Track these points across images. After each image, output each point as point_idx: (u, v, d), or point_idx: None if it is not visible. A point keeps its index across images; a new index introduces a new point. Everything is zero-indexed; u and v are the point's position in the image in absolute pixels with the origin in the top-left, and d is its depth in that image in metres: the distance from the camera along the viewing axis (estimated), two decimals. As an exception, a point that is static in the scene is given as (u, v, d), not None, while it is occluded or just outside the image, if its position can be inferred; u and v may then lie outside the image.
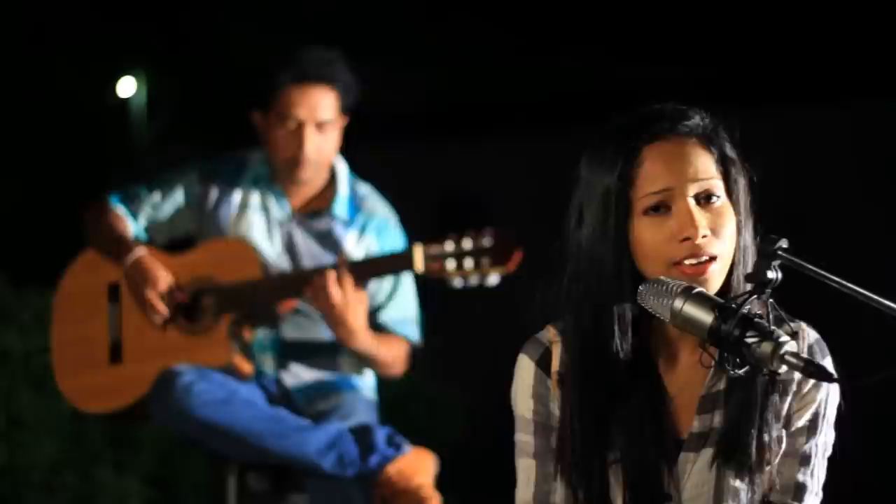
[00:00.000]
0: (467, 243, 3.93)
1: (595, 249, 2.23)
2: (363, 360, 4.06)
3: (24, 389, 6.03)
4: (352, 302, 3.90)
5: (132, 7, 9.64)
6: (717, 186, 2.23)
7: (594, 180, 2.24)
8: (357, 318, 3.92)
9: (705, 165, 2.23)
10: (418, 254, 3.93)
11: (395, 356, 4.09)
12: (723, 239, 2.22)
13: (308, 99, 4.05)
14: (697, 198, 2.21)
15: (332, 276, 3.87)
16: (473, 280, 3.95)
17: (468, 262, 3.93)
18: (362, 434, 3.93)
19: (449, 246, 3.93)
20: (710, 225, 2.20)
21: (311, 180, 4.12)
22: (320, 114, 4.05)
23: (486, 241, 3.92)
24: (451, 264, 3.92)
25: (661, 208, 2.21)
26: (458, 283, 3.96)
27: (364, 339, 3.97)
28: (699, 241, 2.19)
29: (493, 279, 3.95)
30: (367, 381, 4.18)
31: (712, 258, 2.20)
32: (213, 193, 4.16)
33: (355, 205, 4.18)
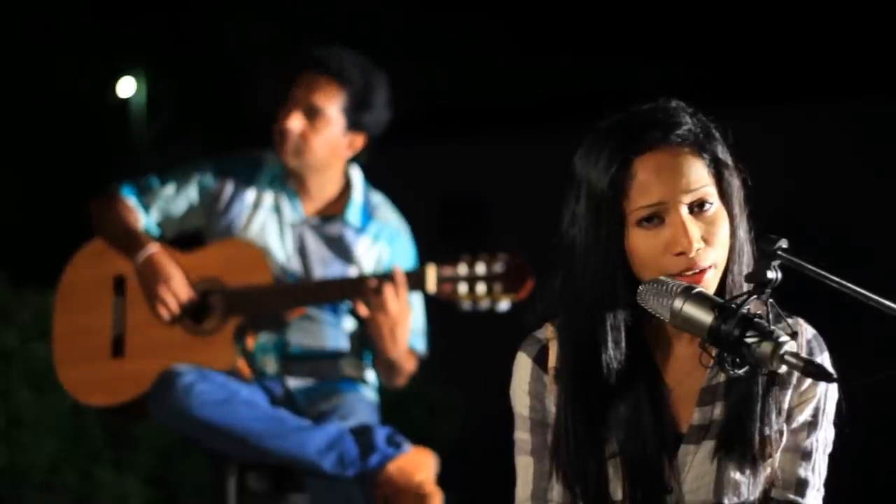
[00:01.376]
0: (480, 268, 3.92)
1: (588, 254, 2.24)
2: (389, 368, 4.05)
3: (24, 389, 6.03)
4: (404, 313, 3.92)
5: (132, 7, 9.65)
6: (710, 193, 2.22)
7: (586, 183, 2.23)
8: (405, 330, 3.94)
9: (698, 174, 2.22)
10: (431, 274, 3.92)
11: (409, 367, 4.10)
12: (717, 246, 2.22)
13: (307, 83, 4.07)
14: (691, 207, 2.21)
15: (391, 288, 3.87)
16: (484, 305, 3.95)
17: (480, 288, 3.92)
18: (362, 434, 3.93)
19: (462, 269, 3.92)
20: (703, 234, 2.20)
21: (305, 178, 4.11)
22: (313, 99, 4.05)
23: (499, 267, 3.91)
24: (462, 288, 3.92)
25: (654, 219, 2.21)
26: (467, 306, 3.96)
27: (404, 349, 3.99)
28: (693, 254, 2.19)
29: (504, 306, 3.94)
30: (368, 383, 4.18)
31: (707, 268, 2.20)
32: (227, 191, 4.15)
33: (368, 212, 4.18)
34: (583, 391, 2.25)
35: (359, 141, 4.11)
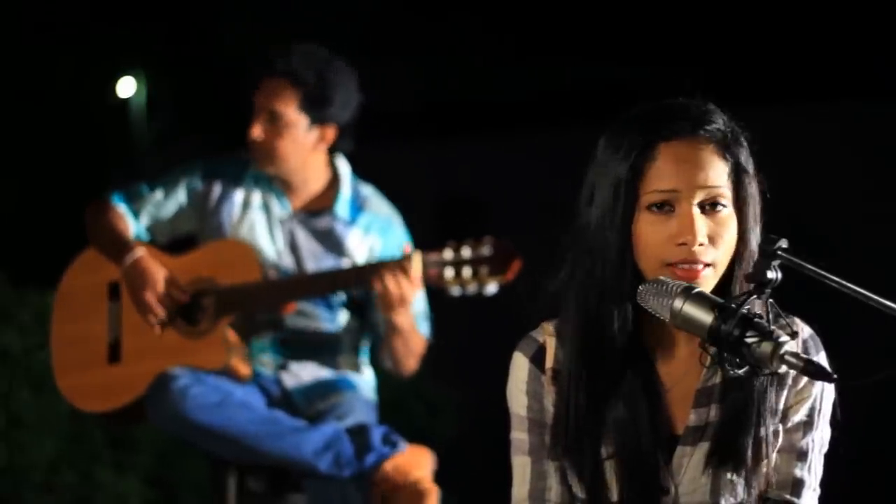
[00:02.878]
0: (466, 252, 3.93)
1: (602, 234, 2.24)
2: (399, 338, 4.03)
3: (24, 389, 6.03)
4: (416, 291, 3.95)
5: (132, 7, 9.65)
6: (725, 195, 2.23)
7: (608, 165, 2.24)
8: (412, 300, 3.96)
9: (717, 173, 2.22)
10: (416, 261, 3.92)
11: (418, 343, 4.09)
12: (719, 248, 2.22)
13: (266, 88, 4.08)
14: (703, 204, 2.21)
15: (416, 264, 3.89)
16: (472, 289, 3.95)
17: (466, 271, 3.93)
18: (358, 434, 3.93)
19: (447, 254, 3.93)
20: (709, 233, 2.21)
21: (286, 179, 4.11)
22: (272, 104, 4.06)
23: (485, 250, 3.92)
24: (449, 273, 3.93)
25: (664, 207, 2.21)
26: (456, 291, 3.97)
27: (412, 320, 4.01)
28: (695, 248, 2.20)
29: (492, 288, 3.95)
30: (366, 381, 4.19)
31: (706, 265, 2.21)
32: (216, 193, 4.16)
33: (358, 205, 4.18)
34: (586, 383, 2.25)
35: (329, 133, 4.11)
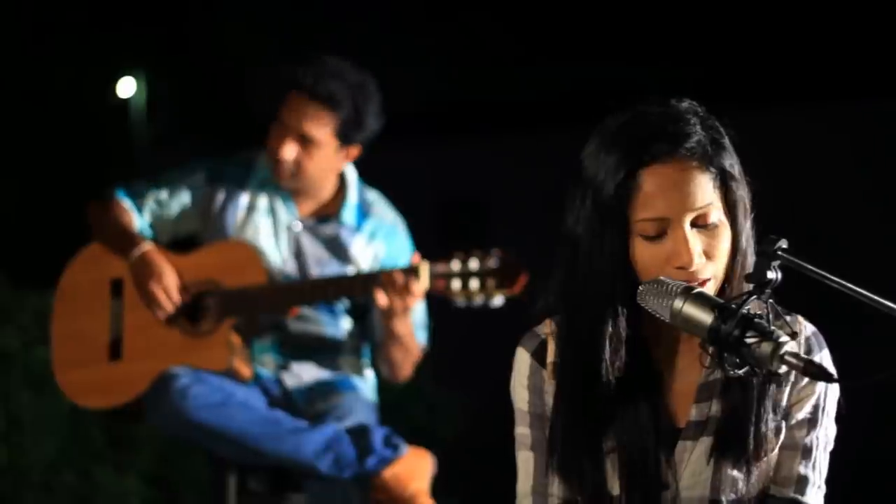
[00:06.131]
0: (474, 264, 3.92)
1: (591, 256, 2.23)
2: (397, 347, 4.03)
3: (24, 389, 6.03)
4: (419, 301, 3.96)
5: (132, 7, 9.65)
6: (715, 209, 2.21)
7: (592, 186, 2.23)
8: (413, 310, 3.98)
9: (703, 191, 2.20)
10: (424, 271, 3.92)
11: (415, 353, 4.09)
12: (717, 260, 2.21)
13: (296, 107, 4.03)
14: (694, 221, 2.20)
15: (416, 276, 3.89)
16: (478, 301, 3.95)
17: (473, 283, 3.92)
18: (359, 435, 3.93)
19: (455, 265, 3.93)
20: (704, 248, 2.20)
21: (301, 191, 4.10)
22: (305, 127, 4.01)
23: (493, 263, 3.92)
24: (456, 284, 3.92)
25: (656, 233, 2.20)
26: (461, 302, 3.96)
27: (411, 328, 4.01)
28: (693, 268, 2.19)
29: (498, 301, 3.95)
30: (367, 382, 4.19)
31: (706, 280, 2.20)
32: (220, 195, 4.14)
33: (363, 211, 4.18)
34: (580, 389, 2.26)
35: (353, 152, 4.11)
